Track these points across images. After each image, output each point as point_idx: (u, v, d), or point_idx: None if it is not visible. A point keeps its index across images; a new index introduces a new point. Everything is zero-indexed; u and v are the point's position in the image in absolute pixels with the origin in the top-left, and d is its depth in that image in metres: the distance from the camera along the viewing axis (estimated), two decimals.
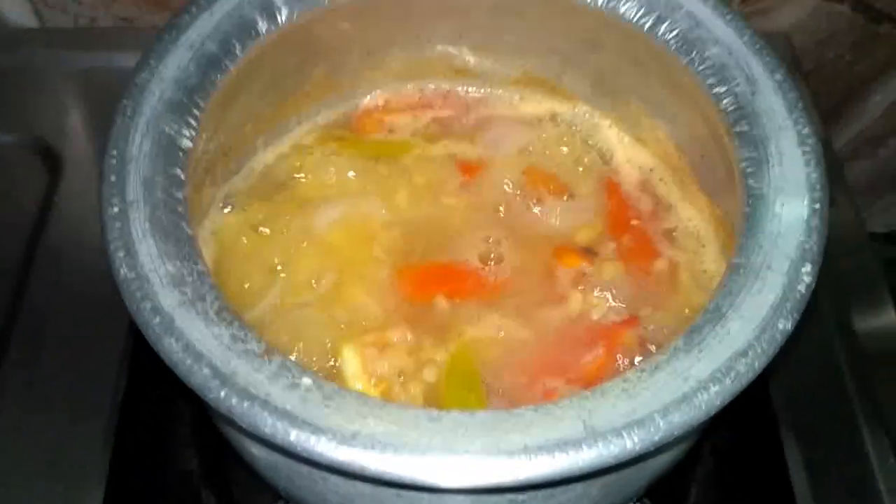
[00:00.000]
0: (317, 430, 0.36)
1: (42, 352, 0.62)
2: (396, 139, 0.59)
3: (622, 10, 0.51)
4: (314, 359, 0.49)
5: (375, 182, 0.56)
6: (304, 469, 0.40)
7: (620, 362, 0.50)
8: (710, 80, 0.48)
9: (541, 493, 0.40)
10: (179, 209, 0.43)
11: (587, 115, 0.60)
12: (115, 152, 0.43)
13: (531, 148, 0.59)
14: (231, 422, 0.37)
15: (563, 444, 0.36)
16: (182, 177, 0.44)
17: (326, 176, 0.56)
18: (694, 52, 0.49)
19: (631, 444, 0.36)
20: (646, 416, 0.36)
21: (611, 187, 0.58)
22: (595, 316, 0.52)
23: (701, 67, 0.48)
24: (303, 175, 0.56)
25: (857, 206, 0.73)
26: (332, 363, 0.49)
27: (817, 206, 0.42)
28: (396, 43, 0.57)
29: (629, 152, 0.59)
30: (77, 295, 0.64)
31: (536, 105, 0.61)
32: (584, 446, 0.35)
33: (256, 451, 0.44)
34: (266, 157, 0.57)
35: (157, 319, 0.38)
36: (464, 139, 0.59)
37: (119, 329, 0.62)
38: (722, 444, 0.60)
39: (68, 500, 0.55)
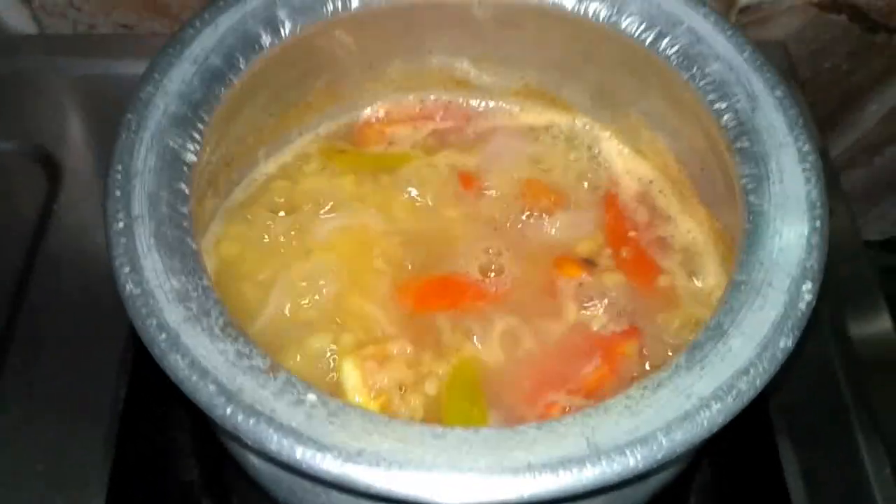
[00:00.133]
0: (322, 447, 0.36)
1: (42, 359, 0.62)
2: (397, 152, 0.59)
3: (623, 24, 0.51)
4: (314, 371, 0.49)
5: (375, 194, 0.56)
6: (308, 484, 0.41)
7: (620, 373, 0.51)
8: (711, 96, 0.48)
9: None
10: (184, 224, 0.43)
11: (587, 126, 0.60)
12: (119, 167, 0.43)
13: (531, 159, 0.60)
14: (236, 437, 0.37)
15: (566, 462, 0.36)
16: (186, 191, 0.44)
17: (327, 188, 0.56)
18: (695, 68, 0.49)
19: (634, 461, 0.36)
20: (648, 434, 0.37)
21: (610, 199, 0.58)
22: (595, 327, 0.53)
23: (702, 83, 0.49)
24: (304, 187, 0.56)
25: (853, 214, 0.73)
26: (332, 376, 0.49)
27: (817, 223, 0.43)
28: (397, 55, 0.57)
29: (629, 164, 0.59)
30: (77, 302, 0.64)
31: (536, 116, 0.61)
32: (588, 464, 0.36)
33: (259, 464, 0.45)
34: (268, 168, 0.57)
35: (163, 336, 0.38)
36: (464, 151, 0.60)
37: (119, 336, 0.62)
38: (719, 452, 0.60)
39: None
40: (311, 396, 0.38)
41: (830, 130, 0.88)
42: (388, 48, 0.57)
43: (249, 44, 0.49)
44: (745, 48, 0.48)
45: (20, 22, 0.78)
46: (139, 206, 0.42)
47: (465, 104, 0.62)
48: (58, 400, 0.60)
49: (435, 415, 0.49)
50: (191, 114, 0.46)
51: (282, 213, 0.55)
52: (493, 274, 0.54)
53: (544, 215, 0.57)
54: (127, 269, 0.40)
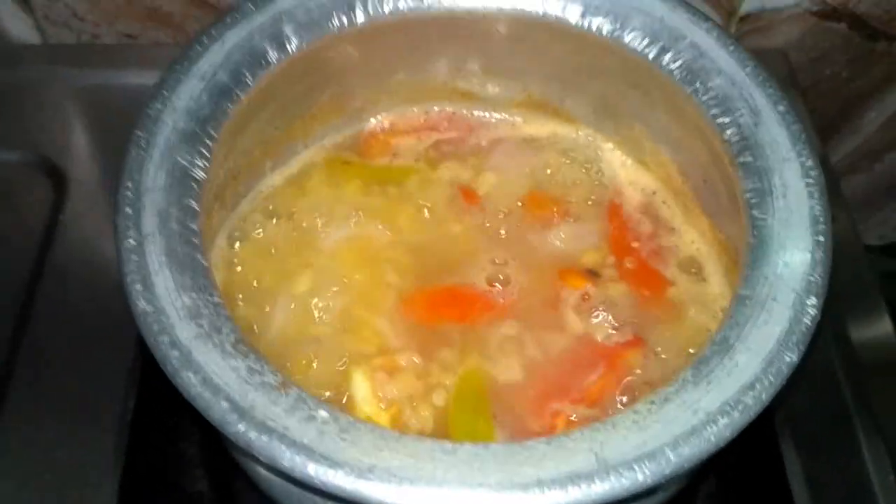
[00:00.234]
0: (334, 463, 0.36)
1: (50, 370, 0.62)
2: (401, 164, 0.59)
3: (626, 39, 0.51)
4: (323, 383, 0.50)
5: (381, 206, 0.57)
6: (319, 499, 0.41)
7: (626, 384, 0.51)
8: (714, 111, 0.49)
9: None
10: (194, 240, 0.43)
11: (590, 137, 0.61)
12: (129, 184, 0.43)
13: (534, 170, 0.60)
14: (249, 453, 0.38)
15: (575, 478, 0.36)
16: (196, 207, 0.44)
17: (332, 200, 0.56)
18: (698, 83, 0.49)
19: (642, 476, 0.37)
20: (656, 449, 0.37)
21: (614, 210, 0.59)
22: (600, 337, 0.53)
23: (705, 98, 0.49)
24: (309, 199, 0.57)
25: (854, 220, 0.73)
26: (342, 388, 0.49)
27: (821, 238, 0.43)
28: (402, 68, 0.58)
29: (631, 175, 0.60)
30: (84, 312, 0.64)
31: (539, 128, 0.62)
32: (597, 480, 0.36)
33: (270, 478, 0.45)
34: (274, 180, 0.58)
35: (176, 353, 0.39)
36: (468, 162, 0.60)
37: (127, 346, 0.62)
38: (723, 458, 0.61)
39: None
40: (323, 412, 0.38)
41: (831, 137, 0.89)
42: (393, 61, 0.57)
43: (256, 59, 0.49)
44: (748, 63, 0.49)
45: (23, 32, 0.78)
46: (150, 223, 0.42)
47: (468, 115, 0.62)
48: (67, 410, 0.60)
49: (444, 425, 0.49)
50: (199, 130, 0.46)
51: (289, 226, 0.55)
52: (499, 285, 0.55)
53: (548, 227, 0.58)
54: (139, 287, 0.40)
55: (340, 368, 0.50)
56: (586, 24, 0.52)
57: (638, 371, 0.52)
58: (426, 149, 0.61)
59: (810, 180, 0.45)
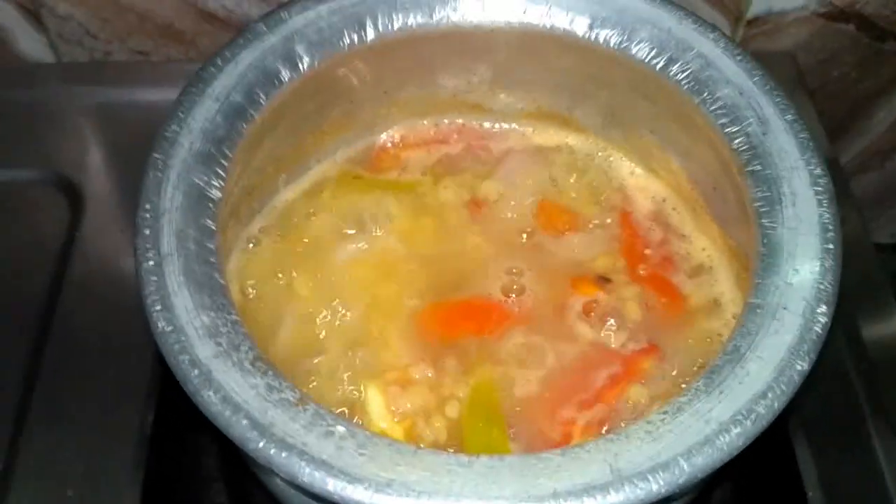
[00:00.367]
0: (353, 479, 0.37)
1: (69, 385, 0.62)
2: (411, 177, 0.60)
3: (634, 50, 0.52)
4: (338, 397, 0.50)
5: (393, 219, 0.57)
6: None
7: (639, 393, 0.51)
8: (723, 120, 0.49)
9: None
10: (211, 259, 0.44)
11: (600, 146, 0.61)
12: (148, 206, 0.44)
13: (545, 180, 0.61)
14: (269, 470, 0.38)
15: (590, 489, 0.37)
16: (213, 227, 0.45)
17: (345, 214, 0.57)
18: (706, 93, 0.50)
19: (657, 486, 0.37)
20: (670, 460, 0.38)
21: (624, 217, 0.59)
22: (614, 344, 0.54)
23: (713, 107, 0.50)
24: (322, 213, 0.57)
25: (864, 220, 0.74)
26: (356, 401, 0.50)
27: (830, 246, 0.44)
28: (412, 82, 0.58)
29: (641, 183, 0.60)
30: (103, 328, 0.65)
31: (549, 138, 0.62)
32: (612, 490, 0.37)
33: (288, 492, 0.46)
34: (287, 195, 0.58)
35: (196, 372, 0.40)
36: (478, 173, 0.61)
37: (145, 360, 0.63)
38: (736, 461, 0.61)
39: None
40: (341, 428, 0.39)
41: (841, 137, 0.89)
42: (403, 76, 0.58)
43: (269, 79, 0.50)
44: (755, 73, 0.49)
45: (37, 50, 0.79)
46: (168, 244, 0.43)
47: (478, 127, 0.63)
48: (86, 425, 0.61)
49: (458, 436, 0.50)
50: (215, 150, 0.47)
51: (302, 241, 0.56)
52: (514, 294, 0.55)
53: (560, 236, 0.58)
54: (158, 307, 0.41)
55: (354, 383, 0.50)
56: (594, 37, 0.53)
57: (652, 378, 0.52)
58: (436, 161, 0.61)
59: (819, 188, 0.46)
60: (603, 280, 0.56)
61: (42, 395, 0.62)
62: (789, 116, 0.48)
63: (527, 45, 0.56)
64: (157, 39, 0.78)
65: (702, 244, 0.57)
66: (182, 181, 0.45)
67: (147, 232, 0.43)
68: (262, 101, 0.49)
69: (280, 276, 0.55)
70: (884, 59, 0.82)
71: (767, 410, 0.39)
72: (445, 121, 0.62)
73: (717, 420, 0.39)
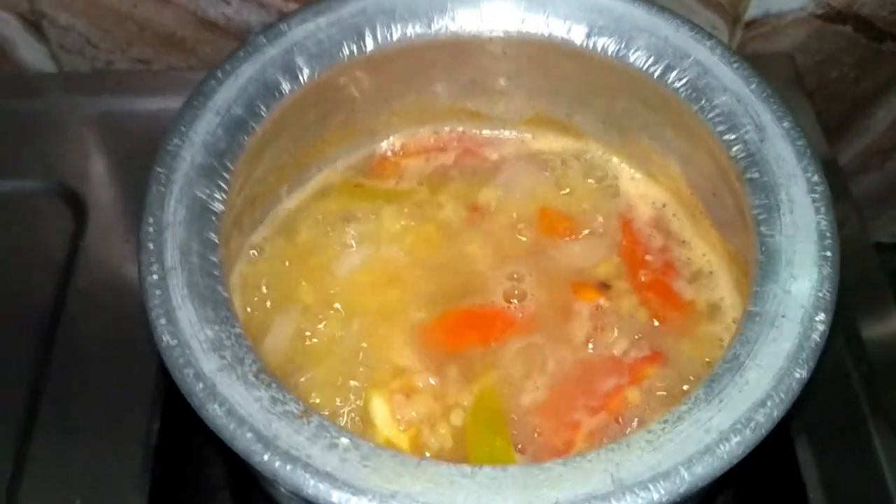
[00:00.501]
0: (357, 491, 0.37)
1: (75, 395, 0.63)
2: (412, 184, 0.60)
3: (632, 58, 0.52)
4: (343, 406, 0.51)
5: (394, 228, 0.58)
6: None
7: (643, 401, 0.52)
8: (720, 128, 0.50)
9: None
10: (215, 272, 0.44)
11: (599, 152, 0.62)
12: (151, 220, 0.45)
13: (545, 186, 0.61)
14: (274, 483, 0.39)
15: (592, 499, 0.37)
16: (216, 240, 0.46)
17: (346, 223, 0.57)
18: (703, 100, 0.50)
19: (658, 496, 0.37)
20: (671, 469, 0.38)
21: (625, 223, 0.60)
22: (616, 351, 0.54)
23: (710, 115, 0.50)
24: (324, 222, 0.58)
25: (864, 220, 0.74)
26: (361, 410, 0.50)
27: (828, 253, 0.44)
28: (412, 91, 0.59)
29: (641, 188, 0.61)
30: (107, 337, 0.65)
31: (549, 143, 0.63)
32: (613, 500, 0.37)
33: (292, 502, 0.46)
34: (289, 204, 0.59)
35: (201, 385, 0.40)
36: (479, 180, 0.61)
37: (150, 370, 0.63)
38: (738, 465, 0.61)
39: None
40: (344, 440, 0.39)
41: (840, 137, 0.89)
42: (403, 85, 0.58)
43: (270, 91, 0.50)
44: (752, 80, 0.50)
45: (39, 60, 0.80)
46: (171, 258, 0.44)
47: (478, 134, 0.63)
48: (92, 434, 0.61)
49: (463, 444, 0.50)
50: (217, 164, 0.47)
51: (304, 250, 0.56)
52: (515, 300, 0.56)
53: (561, 242, 0.59)
54: (163, 321, 0.42)
55: (358, 392, 0.51)
56: (591, 45, 0.53)
57: (654, 385, 0.52)
58: (437, 168, 0.62)
59: (816, 195, 0.46)
60: (604, 286, 0.57)
61: (48, 404, 0.62)
62: (786, 123, 0.48)
63: (525, 54, 0.56)
64: (157, 48, 0.78)
65: (702, 249, 0.58)
66: (185, 195, 0.46)
67: (151, 246, 0.44)
68: (262, 113, 0.50)
69: (283, 285, 0.55)
70: (882, 60, 0.82)
71: (766, 419, 0.39)
72: (445, 128, 0.63)
73: (717, 429, 0.39)
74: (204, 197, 0.46)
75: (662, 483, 0.37)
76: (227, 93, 0.49)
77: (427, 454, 0.49)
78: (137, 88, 0.78)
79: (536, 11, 0.54)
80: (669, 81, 0.51)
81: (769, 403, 0.40)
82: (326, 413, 0.50)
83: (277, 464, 0.38)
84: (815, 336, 0.42)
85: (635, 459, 0.39)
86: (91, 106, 0.78)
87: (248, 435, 0.39)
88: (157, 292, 0.42)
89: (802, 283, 0.43)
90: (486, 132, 0.63)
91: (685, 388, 0.52)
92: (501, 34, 0.54)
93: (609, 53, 0.53)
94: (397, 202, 0.59)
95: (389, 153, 0.62)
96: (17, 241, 0.71)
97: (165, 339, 0.41)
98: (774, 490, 0.61)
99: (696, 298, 0.56)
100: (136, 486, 0.58)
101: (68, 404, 0.62)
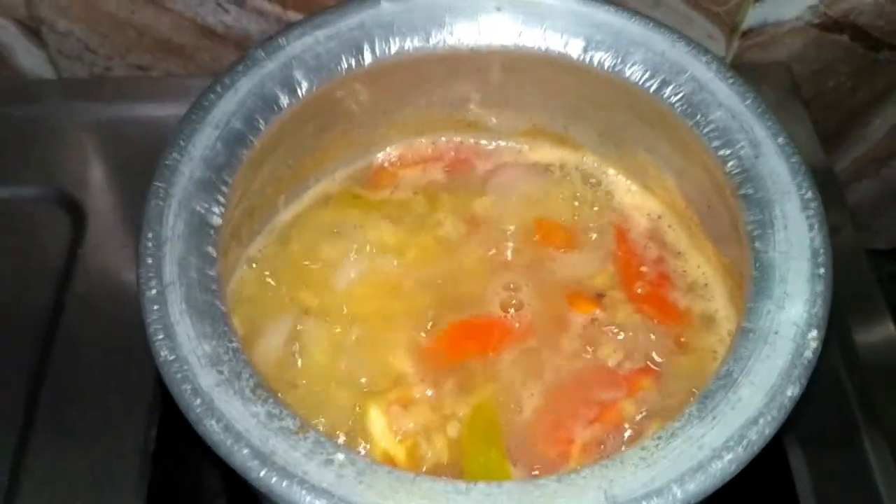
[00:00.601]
0: None
1: (73, 402, 0.63)
2: (409, 195, 0.61)
3: (628, 73, 0.53)
4: (340, 419, 0.51)
5: (391, 238, 0.58)
6: None
7: (637, 413, 0.52)
8: (715, 143, 0.50)
9: None
10: (213, 287, 0.45)
11: (595, 164, 0.62)
12: (150, 235, 0.45)
13: (541, 197, 0.61)
14: (270, 498, 0.39)
15: None
16: (213, 254, 0.46)
17: (344, 234, 0.58)
18: (698, 115, 0.51)
19: None
20: (664, 486, 0.38)
21: (620, 235, 0.60)
22: (611, 363, 0.54)
23: (706, 130, 0.50)
24: (321, 233, 0.58)
25: (859, 226, 0.74)
26: (358, 422, 0.51)
27: (821, 271, 0.44)
28: (409, 103, 0.59)
29: (637, 200, 0.61)
30: (105, 344, 0.66)
31: (545, 155, 0.63)
32: None
33: None
34: (287, 215, 0.59)
35: (198, 401, 0.40)
36: (475, 191, 0.61)
37: (147, 377, 0.63)
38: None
39: None
40: (340, 456, 0.40)
41: (836, 145, 0.90)
42: (401, 97, 0.58)
43: (268, 105, 0.51)
44: (748, 96, 0.50)
45: (37, 66, 0.80)
46: (170, 272, 0.44)
47: (475, 145, 0.63)
48: (90, 440, 0.61)
49: (459, 456, 0.50)
50: (215, 178, 0.48)
51: (303, 261, 0.57)
52: (512, 309, 0.56)
53: (557, 252, 0.59)
54: (161, 336, 0.42)
55: (356, 403, 0.51)
56: (588, 59, 0.53)
57: (649, 397, 0.53)
58: (433, 179, 0.62)
59: (810, 212, 0.46)
60: (600, 297, 0.57)
61: (46, 410, 0.63)
62: (781, 140, 0.48)
63: (522, 67, 0.56)
64: (156, 54, 0.79)
65: (697, 261, 0.58)
66: (183, 209, 0.46)
67: (150, 261, 0.44)
68: (261, 126, 0.50)
69: (280, 296, 0.55)
70: (878, 69, 0.82)
71: (759, 436, 0.40)
72: (443, 139, 0.63)
73: (710, 446, 0.40)
74: (202, 211, 0.47)
75: (655, 500, 0.38)
76: (226, 106, 0.49)
77: (423, 467, 0.49)
78: (136, 95, 0.79)
79: (534, 25, 0.54)
80: (665, 96, 0.52)
81: (761, 421, 0.40)
82: (323, 420, 0.50)
83: (274, 480, 0.39)
84: (808, 353, 0.42)
85: (629, 476, 0.39)
86: (90, 112, 0.78)
87: (245, 451, 0.39)
88: (156, 307, 0.43)
89: (796, 301, 0.44)
90: (483, 142, 0.63)
91: (679, 400, 0.52)
92: (499, 48, 0.55)
93: (606, 68, 0.53)
94: (394, 213, 0.60)
95: (387, 164, 0.62)
96: (16, 248, 0.71)
97: (164, 354, 0.42)
98: (766, 498, 0.61)
99: (691, 310, 0.57)
100: (134, 493, 0.58)
101: (66, 410, 0.63)
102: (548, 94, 0.58)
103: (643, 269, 0.58)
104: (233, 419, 0.40)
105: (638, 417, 0.52)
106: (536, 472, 0.49)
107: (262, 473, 0.39)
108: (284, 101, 0.51)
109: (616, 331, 0.55)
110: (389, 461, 0.49)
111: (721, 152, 0.49)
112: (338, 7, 0.53)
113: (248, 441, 0.40)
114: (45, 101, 0.79)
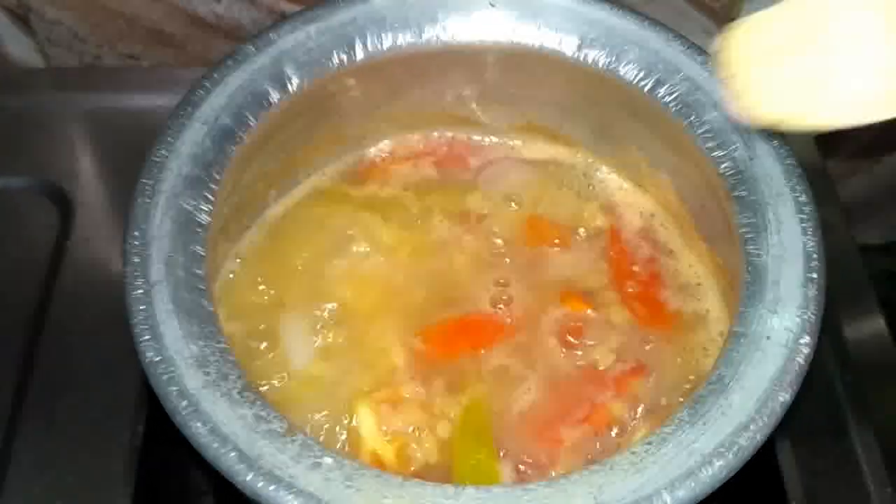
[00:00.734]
0: None
1: (59, 397, 0.63)
2: (400, 190, 0.60)
3: (622, 72, 0.52)
4: (329, 417, 0.51)
5: (381, 234, 0.58)
6: None
7: (627, 413, 0.52)
8: (710, 144, 0.49)
9: None
10: (200, 286, 0.44)
11: (589, 161, 0.62)
12: (136, 233, 0.44)
13: (533, 193, 0.61)
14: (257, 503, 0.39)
15: None
16: (201, 252, 0.45)
17: (334, 231, 0.57)
18: (693, 116, 0.50)
19: None
20: (653, 493, 0.38)
21: (613, 233, 0.60)
22: (601, 363, 0.54)
23: (700, 131, 0.50)
24: (311, 229, 0.58)
25: (849, 223, 0.74)
26: (347, 421, 0.50)
27: (814, 276, 0.44)
28: (401, 98, 0.58)
29: (630, 198, 0.61)
30: (92, 338, 0.65)
31: (538, 151, 0.62)
32: None
33: None
34: (277, 210, 0.58)
35: (184, 403, 0.40)
36: (467, 187, 0.61)
37: (135, 372, 0.63)
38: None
39: None
40: (328, 459, 0.39)
41: (830, 141, 0.89)
42: (393, 93, 0.58)
43: (258, 101, 0.50)
44: None
45: (25, 54, 0.79)
46: (157, 271, 0.43)
47: (468, 140, 0.63)
48: (76, 436, 0.61)
49: (449, 456, 0.50)
50: (203, 175, 0.47)
51: (293, 257, 0.56)
52: (503, 306, 0.55)
53: (548, 250, 0.58)
54: (147, 337, 0.42)
55: (345, 402, 0.51)
56: (582, 57, 0.53)
57: (639, 398, 0.53)
58: (425, 174, 0.62)
59: (804, 216, 0.46)
60: (591, 296, 0.57)
61: (31, 405, 0.62)
62: (775, 142, 0.48)
63: (516, 64, 0.56)
64: (146, 44, 0.78)
65: (689, 261, 0.58)
66: (171, 206, 0.46)
67: (136, 260, 0.43)
68: (250, 122, 0.49)
69: (269, 293, 0.55)
70: None
71: (749, 442, 0.39)
72: (435, 134, 0.62)
73: (701, 452, 0.39)
74: (190, 209, 0.46)
75: None
76: (215, 102, 0.49)
77: (412, 467, 0.49)
78: (126, 85, 0.78)
79: (527, 22, 0.54)
80: (659, 96, 0.51)
81: (752, 427, 0.40)
82: (311, 419, 0.50)
83: (260, 484, 0.38)
84: (800, 359, 0.42)
85: (618, 482, 0.39)
86: (79, 102, 0.77)
87: (232, 454, 0.39)
88: (142, 307, 0.42)
89: (788, 306, 0.43)
90: (476, 138, 0.63)
91: (669, 401, 0.52)
92: (492, 44, 0.54)
93: (600, 66, 0.53)
94: (385, 208, 0.59)
95: (378, 159, 0.62)
96: (3, 239, 0.70)
97: (150, 355, 0.41)
98: (755, 494, 0.61)
99: (683, 309, 0.56)
100: (120, 488, 0.58)
101: (52, 405, 0.62)
102: (542, 91, 0.58)
103: (635, 267, 0.58)
104: (220, 422, 0.40)
105: (628, 417, 0.52)
106: (524, 468, 0.49)
107: (248, 477, 0.38)
108: (275, 96, 0.50)
109: (607, 330, 0.55)
110: (378, 461, 0.49)
111: (715, 153, 0.49)
112: (330, 1, 0.53)
113: (235, 444, 0.39)
114: (34, 90, 0.78)
